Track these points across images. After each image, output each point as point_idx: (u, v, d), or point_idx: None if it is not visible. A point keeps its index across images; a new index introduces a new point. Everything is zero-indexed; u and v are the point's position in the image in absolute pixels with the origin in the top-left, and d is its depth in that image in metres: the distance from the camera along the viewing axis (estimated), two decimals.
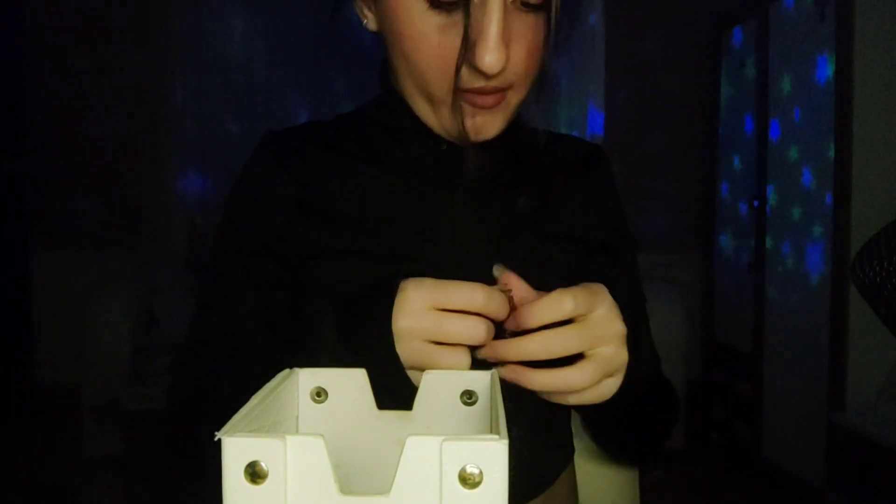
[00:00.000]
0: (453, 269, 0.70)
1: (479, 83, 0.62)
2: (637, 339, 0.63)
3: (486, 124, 0.66)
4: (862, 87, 2.22)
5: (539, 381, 0.56)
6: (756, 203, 2.74)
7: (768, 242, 2.67)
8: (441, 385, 0.50)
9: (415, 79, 0.66)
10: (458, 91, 0.62)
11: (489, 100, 0.64)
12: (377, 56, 0.74)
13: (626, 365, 0.58)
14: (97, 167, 3.53)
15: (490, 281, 0.70)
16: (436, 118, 0.67)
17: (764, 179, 2.69)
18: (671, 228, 3.65)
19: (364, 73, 0.81)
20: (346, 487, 0.35)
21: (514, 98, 0.66)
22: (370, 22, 0.69)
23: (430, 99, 0.66)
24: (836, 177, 2.27)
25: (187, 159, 3.56)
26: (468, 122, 0.65)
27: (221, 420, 0.37)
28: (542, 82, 0.67)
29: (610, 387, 0.58)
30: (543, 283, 0.72)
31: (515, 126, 0.73)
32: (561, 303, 0.55)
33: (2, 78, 3.37)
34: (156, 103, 3.53)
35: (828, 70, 2.32)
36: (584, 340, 0.55)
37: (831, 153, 2.29)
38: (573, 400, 0.57)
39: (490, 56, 0.59)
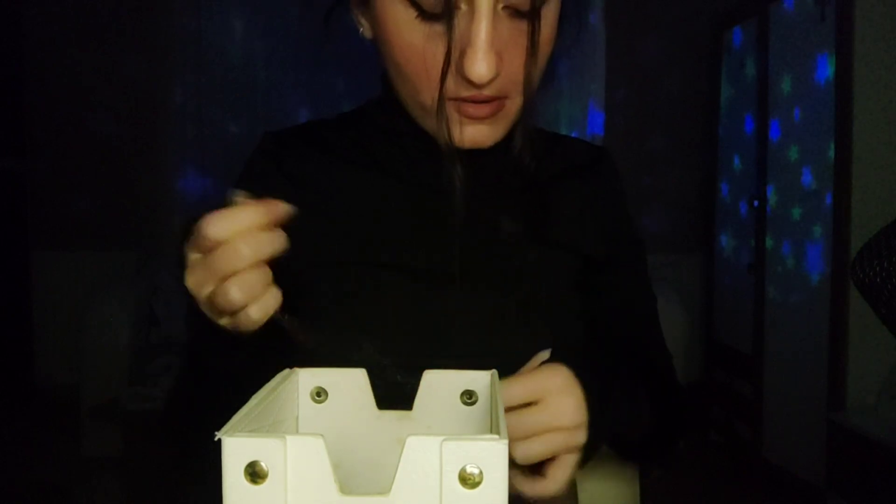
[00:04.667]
0: (449, 278, 0.69)
1: (471, 92, 0.61)
2: (623, 386, 0.64)
3: (482, 134, 0.65)
4: (862, 87, 2.22)
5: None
6: (756, 203, 2.74)
7: (768, 242, 2.67)
8: (441, 385, 0.50)
9: (407, 87, 0.65)
10: (443, 100, 0.62)
11: (484, 110, 0.63)
12: (377, 57, 0.74)
13: (583, 446, 0.58)
14: (97, 167, 3.53)
15: (488, 297, 0.69)
16: (430, 125, 0.67)
17: (764, 179, 2.69)
18: (671, 228, 3.66)
19: (364, 73, 0.81)
20: (346, 487, 0.35)
21: (511, 107, 0.65)
22: (365, 30, 0.69)
23: (423, 107, 0.65)
24: (836, 177, 2.27)
25: (187, 159, 3.56)
26: (464, 132, 0.64)
27: (212, 416, 0.37)
28: (529, 92, 0.65)
29: (570, 462, 0.58)
30: (541, 294, 0.72)
31: (514, 132, 0.73)
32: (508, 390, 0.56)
33: (2, 78, 3.36)
34: (156, 103, 3.53)
35: (828, 70, 2.32)
36: (538, 424, 0.56)
37: (831, 153, 2.29)
38: (543, 489, 0.58)
39: (479, 65, 0.58)
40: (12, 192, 3.44)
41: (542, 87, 0.68)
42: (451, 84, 0.61)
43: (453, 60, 0.60)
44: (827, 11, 2.31)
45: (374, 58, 0.73)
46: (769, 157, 2.66)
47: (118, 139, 3.53)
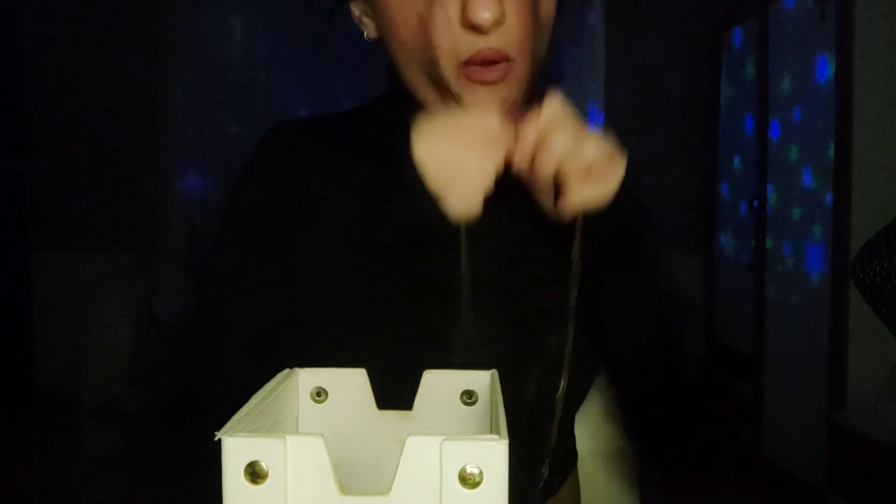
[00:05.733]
0: (456, 274, 0.69)
1: (477, 47, 0.62)
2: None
3: (494, 100, 0.65)
4: (862, 87, 2.22)
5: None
6: (756, 203, 2.74)
7: (768, 242, 2.67)
8: (441, 385, 0.50)
9: (419, 66, 0.65)
10: (437, 57, 0.63)
11: (491, 73, 0.63)
12: (377, 56, 0.74)
13: (614, 173, 0.59)
14: (97, 167, 3.53)
15: (498, 291, 0.69)
16: (444, 106, 0.66)
17: (764, 179, 2.69)
18: (671, 228, 3.66)
19: (364, 73, 0.81)
20: (346, 487, 0.35)
21: (518, 72, 0.65)
22: (369, 30, 0.69)
23: (438, 84, 0.65)
24: (836, 177, 2.27)
25: (187, 159, 3.56)
26: (475, 101, 0.65)
27: (214, 416, 0.37)
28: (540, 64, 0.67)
29: (607, 184, 0.59)
30: (556, 292, 0.72)
31: None
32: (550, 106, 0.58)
33: (2, 78, 3.37)
34: (156, 103, 3.53)
35: (828, 70, 2.32)
36: (568, 141, 0.58)
37: (831, 153, 2.29)
38: (575, 198, 0.59)
39: (481, 6, 0.59)
40: (12, 192, 3.44)
41: (548, 79, 0.68)
42: (456, 47, 0.62)
43: (457, 18, 0.61)
44: (827, 11, 2.31)
45: (374, 58, 0.73)
46: (769, 157, 2.66)
47: (118, 139, 3.53)
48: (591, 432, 0.84)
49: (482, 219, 0.71)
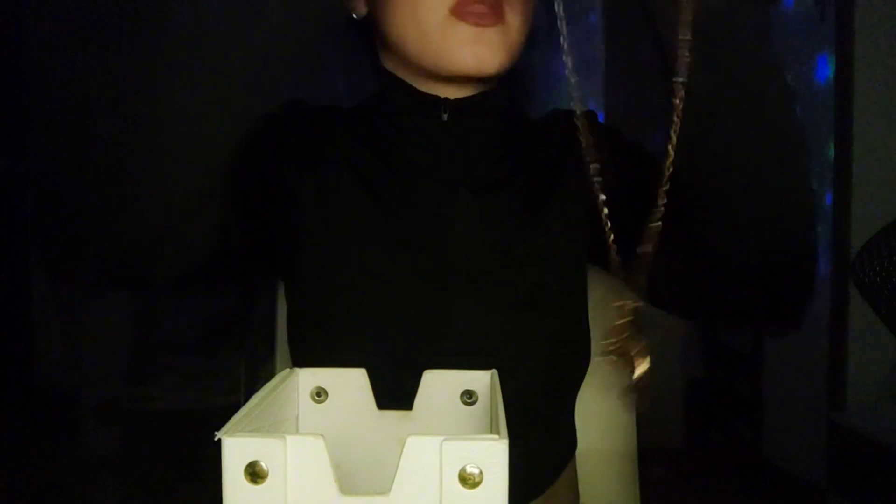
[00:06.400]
0: (454, 268, 0.69)
1: None
2: None
3: (487, 51, 0.65)
4: (862, 87, 2.21)
5: None
6: None
7: None
8: (441, 385, 0.50)
9: (412, 21, 0.65)
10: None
11: (485, 10, 0.64)
12: (373, 58, 0.74)
13: None
14: (97, 167, 3.53)
15: (494, 276, 0.69)
16: (436, 59, 0.66)
17: None
18: None
19: (364, 74, 0.80)
20: (346, 487, 0.35)
21: (510, 27, 0.65)
22: (359, 4, 0.69)
23: (428, 37, 0.65)
24: (836, 177, 2.27)
25: None
26: (467, 52, 0.65)
27: None
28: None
29: None
30: (545, 282, 0.72)
31: (514, 113, 0.74)
32: None
33: (2, 78, 3.37)
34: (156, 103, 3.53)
35: (828, 70, 2.32)
36: None
37: (831, 153, 2.29)
38: None
39: None
40: (12, 192, 3.44)
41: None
42: None
43: None
44: (827, 11, 2.31)
45: (372, 59, 0.73)
46: None
47: (118, 139, 3.53)
48: (591, 426, 0.84)
49: (475, 209, 0.71)
